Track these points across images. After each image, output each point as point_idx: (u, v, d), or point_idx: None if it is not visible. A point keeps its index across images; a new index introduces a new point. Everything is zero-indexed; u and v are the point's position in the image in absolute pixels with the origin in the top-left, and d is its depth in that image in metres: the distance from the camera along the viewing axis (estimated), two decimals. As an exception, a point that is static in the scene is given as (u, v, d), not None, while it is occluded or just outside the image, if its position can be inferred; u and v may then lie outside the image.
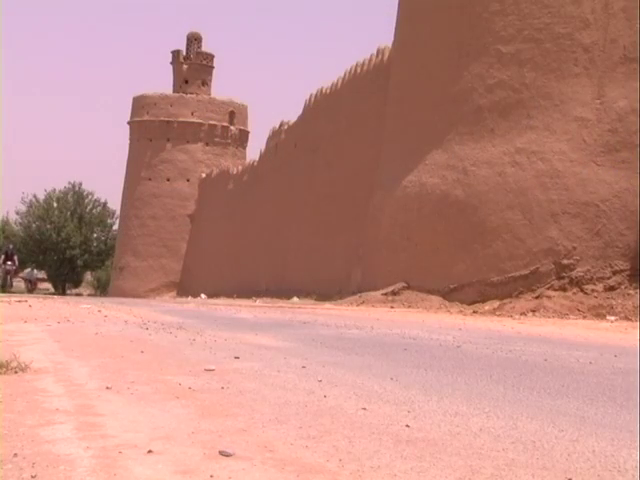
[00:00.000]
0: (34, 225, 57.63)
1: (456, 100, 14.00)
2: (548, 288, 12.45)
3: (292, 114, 33.22)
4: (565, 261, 12.55)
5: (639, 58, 12.68)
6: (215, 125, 41.52)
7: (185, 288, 37.27)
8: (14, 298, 13.86)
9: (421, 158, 14.54)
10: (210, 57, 43.10)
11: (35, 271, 41.90)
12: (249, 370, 3.76)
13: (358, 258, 18.07)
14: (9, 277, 30.82)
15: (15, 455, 2.06)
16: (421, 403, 2.93)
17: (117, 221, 50.94)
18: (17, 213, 59.34)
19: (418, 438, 2.33)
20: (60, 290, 56.10)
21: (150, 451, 2.12)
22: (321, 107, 23.83)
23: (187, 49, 42.79)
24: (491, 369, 3.99)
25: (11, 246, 32.95)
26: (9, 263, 30.74)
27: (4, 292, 28.42)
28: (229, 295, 25.48)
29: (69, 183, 58.97)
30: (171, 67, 43.23)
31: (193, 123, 41.38)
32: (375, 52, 20.51)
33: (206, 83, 42.61)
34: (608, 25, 12.89)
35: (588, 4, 12.98)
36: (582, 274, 12.41)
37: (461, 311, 12.03)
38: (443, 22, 14.57)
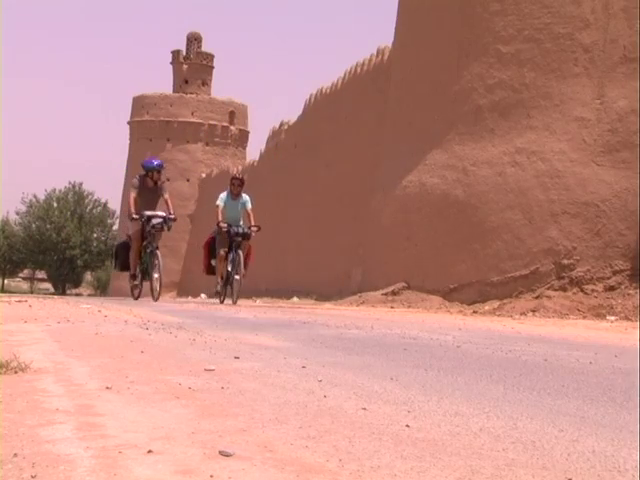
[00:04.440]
0: (34, 225, 57.61)
1: (456, 100, 14.01)
2: (548, 288, 12.46)
3: (292, 114, 33.22)
4: (565, 261, 12.55)
5: (639, 58, 12.69)
6: (215, 125, 41.52)
7: (185, 288, 37.29)
8: (14, 298, 13.87)
9: (421, 158, 14.55)
10: (210, 57, 43.09)
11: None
12: (249, 370, 3.76)
13: (358, 258, 18.08)
14: (152, 247, 13.21)
15: (15, 455, 2.06)
16: (421, 403, 2.93)
17: (117, 221, 51.01)
18: (17, 213, 59.34)
19: (418, 438, 2.33)
20: (60, 290, 56.12)
21: (150, 451, 2.12)
22: (321, 107, 23.83)
23: (187, 49, 42.79)
24: (491, 369, 3.99)
25: (155, 162, 13.69)
26: (153, 215, 13.14)
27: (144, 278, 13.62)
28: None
29: (69, 183, 59.00)
30: (171, 67, 43.20)
31: (193, 123, 41.38)
32: (375, 52, 20.52)
33: (206, 83, 42.61)
34: (608, 25, 12.89)
35: (588, 4, 12.98)
36: (582, 274, 12.42)
37: (461, 311, 12.03)
38: (443, 22, 14.58)
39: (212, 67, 42.09)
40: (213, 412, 2.71)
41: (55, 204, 56.60)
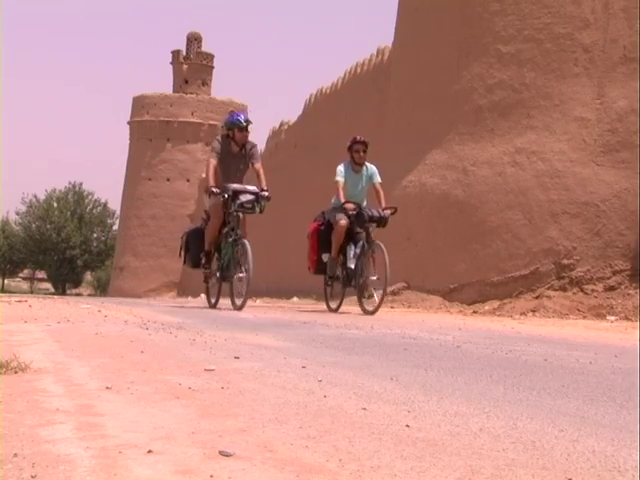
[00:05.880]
0: (34, 225, 57.70)
1: (456, 100, 14.01)
2: (548, 288, 12.46)
3: (292, 114, 33.24)
4: (565, 261, 12.55)
5: (639, 58, 12.69)
6: (215, 125, 41.56)
7: (185, 288, 37.29)
8: (14, 298, 13.88)
9: (421, 158, 14.55)
10: (210, 57, 43.15)
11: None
12: (249, 370, 3.76)
13: (358, 258, 18.06)
14: (235, 234, 9.94)
15: (15, 455, 2.06)
16: (421, 403, 2.93)
17: (117, 221, 51.06)
18: (17, 213, 59.48)
19: (418, 438, 2.33)
20: (60, 290, 56.18)
21: (150, 451, 2.12)
22: (321, 107, 23.84)
23: (187, 49, 42.86)
24: (491, 369, 3.99)
25: (240, 116, 10.39)
26: (241, 190, 10.04)
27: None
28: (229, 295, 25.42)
29: (69, 183, 59.11)
30: (171, 67, 43.22)
31: (193, 123, 41.40)
32: (375, 52, 20.53)
33: (206, 83, 42.66)
34: (608, 25, 12.90)
35: (588, 4, 12.99)
36: (582, 274, 12.42)
37: (461, 311, 12.03)
38: (443, 22, 14.57)
39: (212, 67, 42.11)
40: (213, 412, 2.71)
41: (55, 204, 56.71)
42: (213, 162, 10.16)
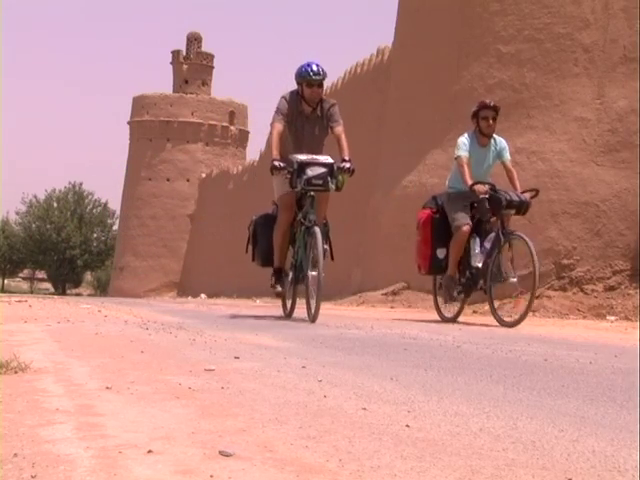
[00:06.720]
0: (34, 225, 57.69)
1: (456, 100, 14.00)
2: (548, 288, 12.46)
3: (292, 114, 33.19)
4: (565, 261, 12.55)
5: (639, 58, 12.69)
6: (215, 125, 41.53)
7: (185, 288, 37.29)
8: (14, 298, 13.88)
9: (421, 158, 14.55)
10: (210, 57, 43.13)
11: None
12: (249, 370, 3.76)
13: (358, 258, 18.08)
14: (309, 220, 7.75)
15: (15, 455, 2.06)
16: (421, 403, 2.93)
17: (117, 221, 51.04)
18: (17, 213, 59.49)
19: (418, 438, 2.33)
20: (60, 290, 56.18)
21: (150, 451, 2.12)
22: (321, 107, 23.80)
23: (187, 49, 42.85)
24: (491, 369, 3.99)
25: (313, 66, 7.84)
26: (310, 162, 7.69)
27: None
28: (229, 295, 25.48)
29: (69, 183, 59.14)
30: (171, 67, 43.21)
31: (193, 123, 41.36)
32: (375, 52, 20.53)
33: (206, 83, 42.64)
34: (608, 25, 12.89)
35: (588, 4, 12.99)
36: (582, 274, 12.42)
37: (461, 311, 12.00)
38: (443, 22, 14.57)
39: (212, 67, 42.10)
40: (213, 412, 2.71)
41: (55, 204, 56.72)
42: (278, 127, 7.79)
